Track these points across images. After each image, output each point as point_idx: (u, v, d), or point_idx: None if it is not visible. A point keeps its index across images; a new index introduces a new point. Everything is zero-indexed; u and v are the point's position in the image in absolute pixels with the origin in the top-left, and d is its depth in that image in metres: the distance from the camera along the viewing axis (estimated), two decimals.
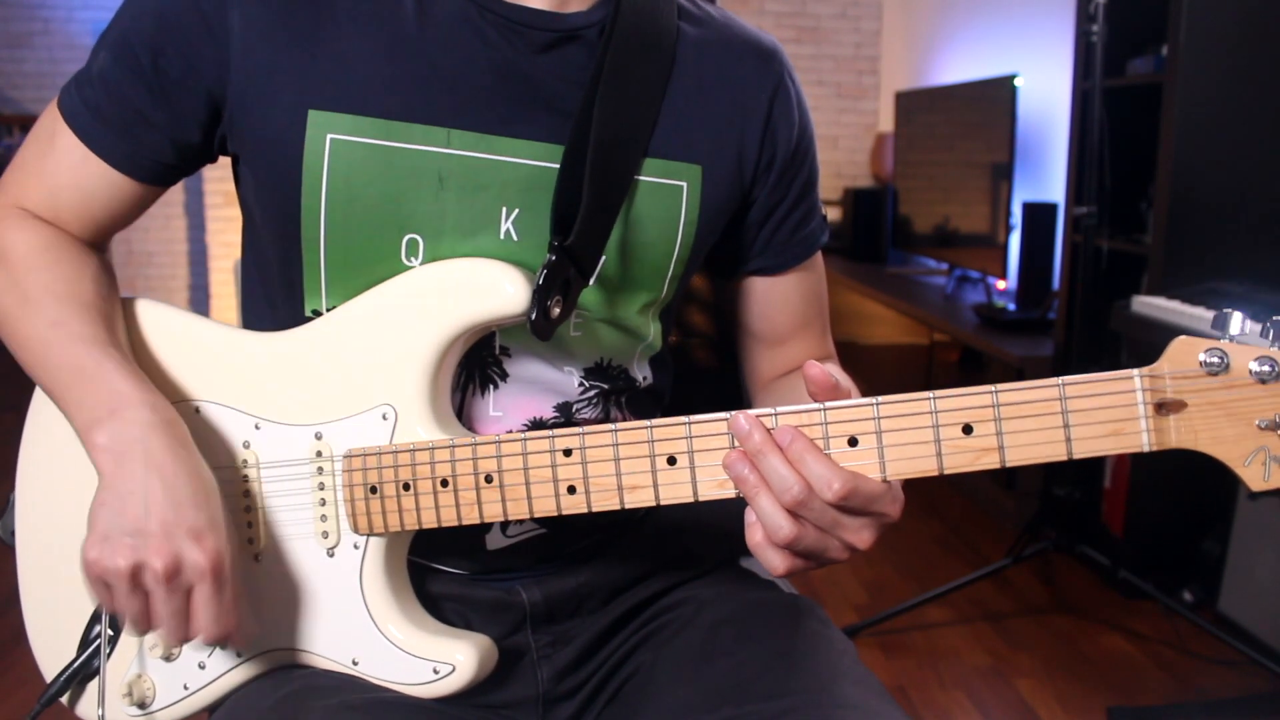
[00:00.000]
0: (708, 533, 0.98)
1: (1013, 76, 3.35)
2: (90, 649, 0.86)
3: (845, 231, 4.83)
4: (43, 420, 0.91)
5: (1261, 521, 2.23)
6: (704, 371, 1.13)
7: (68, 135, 0.85)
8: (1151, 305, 2.11)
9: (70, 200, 0.86)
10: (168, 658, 0.85)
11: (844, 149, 5.54)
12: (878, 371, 4.70)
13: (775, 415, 0.70)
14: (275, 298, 0.87)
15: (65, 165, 0.86)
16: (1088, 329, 2.62)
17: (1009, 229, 3.44)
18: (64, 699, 0.89)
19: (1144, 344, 2.39)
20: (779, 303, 0.99)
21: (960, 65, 4.39)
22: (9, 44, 5.39)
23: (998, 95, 3.43)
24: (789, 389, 0.97)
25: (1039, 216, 3.31)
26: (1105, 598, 2.58)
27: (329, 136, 0.79)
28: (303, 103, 0.79)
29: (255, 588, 0.83)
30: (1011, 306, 3.39)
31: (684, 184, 0.87)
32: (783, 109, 0.92)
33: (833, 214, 5.03)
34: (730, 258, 0.97)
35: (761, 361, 1.02)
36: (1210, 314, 1.92)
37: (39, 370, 0.83)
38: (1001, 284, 3.58)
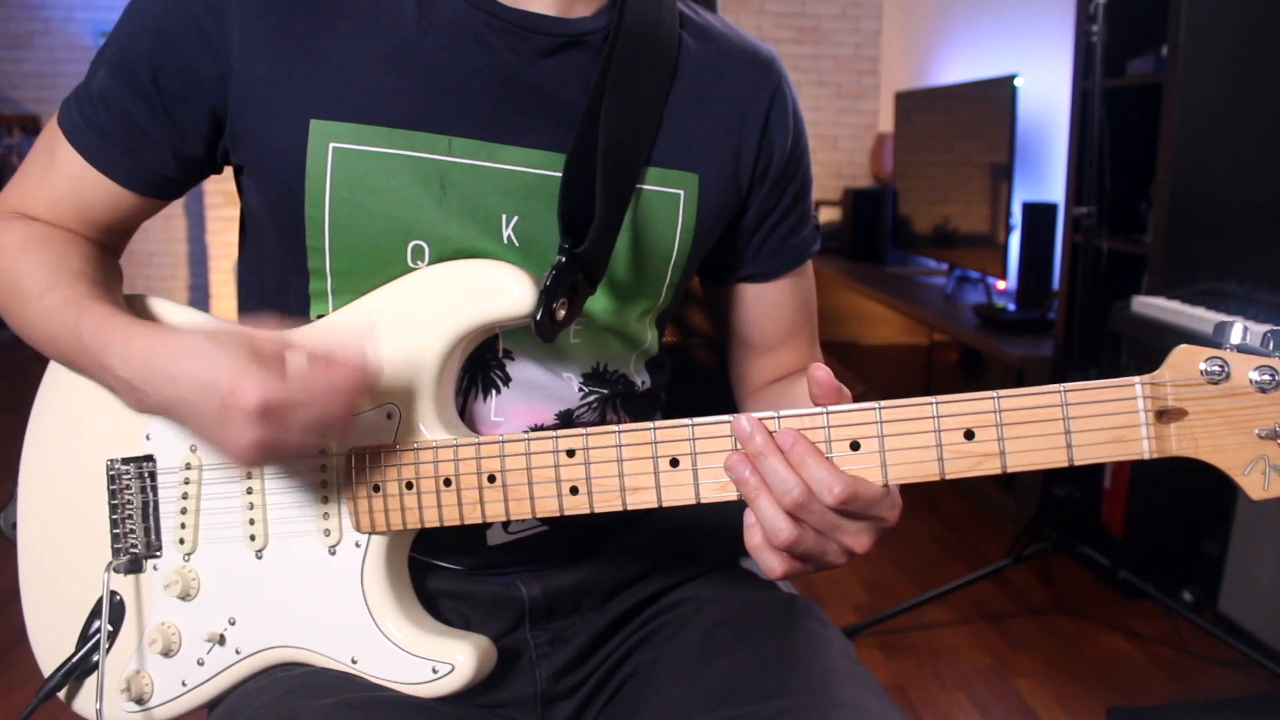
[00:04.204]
0: (708, 533, 0.99)
1: (1013, 76, 3.35)
2: (89, 644, 0.86)
3: (845, 231, 4.83)
4: (47, 416, 0.91)
5: (1261, 521, 2.23)
6: (704, 371, 1.13)
7: (68, 151, 0.85)
8: (1151, 305, 2.11)
9: (71, 211, 0.87)
10: (167, 652, 0.85)
11: (844, 149, 5.55)
12: (878, 372, 4.70)
13: (778, 418, 0.70)
14: (281, 305, 0.87)
15: (66, 179, 0.86)
16: (1088, 329, 2.62)
17: (1009, 229, 3.44)
18: (62, 695, 0.89)
19: (1144, 344, 2.40)
20: (769, 310, 0.99)
21: (960, 65, 4.39)
22: (9, 44, 5.39)
23: (998, 95, 3.43)
24: (778, 396, 0.97)
25: (1039, 216, 3.31)
26: (1105, 598, 2.59)
27: (331, 145, 0.79)
28: (304, 113, 0.79)
29: (256, 585, 0.83)
30: (1011, 307, 3.39)
31: (681, 192, 0.87)
32: (779, 117, 0.92)
33: (833, 214, 5.04)
34: (722, 264, 0.97)
35: (750, 368, 1.02)
36: (1210, 314, 1.92)
37: (48, 346, 0.84)
38: (1001, 284, 3.58)
